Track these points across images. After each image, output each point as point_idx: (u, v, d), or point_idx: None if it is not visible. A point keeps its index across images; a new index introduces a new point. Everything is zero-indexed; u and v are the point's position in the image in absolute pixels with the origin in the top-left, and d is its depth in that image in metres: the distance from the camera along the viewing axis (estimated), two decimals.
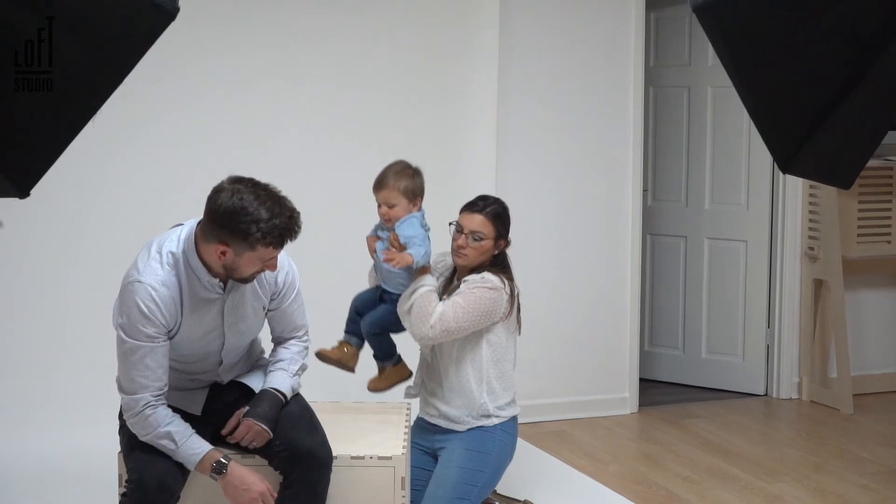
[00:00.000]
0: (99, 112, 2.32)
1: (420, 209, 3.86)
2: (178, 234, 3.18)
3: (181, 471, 3.20)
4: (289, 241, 3.11)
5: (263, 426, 3.27)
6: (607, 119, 5.82)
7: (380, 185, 3.84)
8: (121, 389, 3.20)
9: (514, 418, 4.03)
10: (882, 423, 5.80)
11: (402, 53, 5.43)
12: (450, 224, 3.95)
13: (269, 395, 3.34)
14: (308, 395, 3.56)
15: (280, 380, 3.39)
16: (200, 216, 3.16)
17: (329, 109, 5.32)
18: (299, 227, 3.09)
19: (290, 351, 3.47)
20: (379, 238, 3.90)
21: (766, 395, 6.31)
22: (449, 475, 3.86)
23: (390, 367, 4.01)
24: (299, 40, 5.28)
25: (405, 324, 3.85)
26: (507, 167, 5.58)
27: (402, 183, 3.81)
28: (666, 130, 6.49)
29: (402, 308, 3.83)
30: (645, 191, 6.17)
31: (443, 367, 3.95)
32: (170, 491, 3.16)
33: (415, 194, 3.84)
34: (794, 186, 6.12)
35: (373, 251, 3.92)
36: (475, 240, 3.90)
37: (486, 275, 3.89)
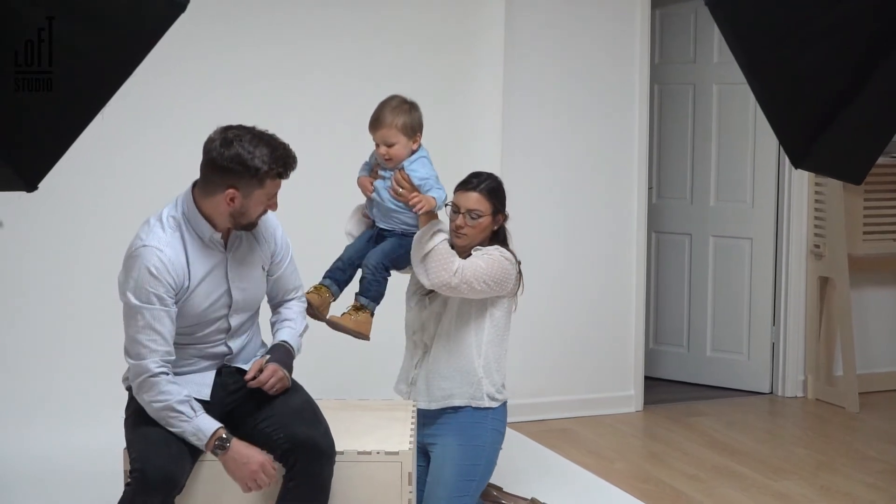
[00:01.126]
0: (107, 106, 2.30)
1: (420, 145, 3.77)
2: (175, 200, 3.32)
3: (186, 460, 3.20)
4: (290, 172, 3.25)
5: (285, 372, 3.38)
6: (612, 116, 5.79)
7: (376, 123, 3.72)
8: (128, 356, 3.23)
9: (505, 404, 3.99)
10: (888, 421, 5.78)
11: (407, 50, 5.41)
12: (445, 205, 3.88)
13: (283, 347, 3.45)
14: (313, 393, 3.55)
15: (288, 335, 3.50)
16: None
17: (333, 106, 5.29)
18: (296, 157, 3.25)
19: (292, 310, 3.58)
20: (381, 177, 3.78)
21: (771, 393, 6.28)
22: (445, 474, 3.82)
23: (368, 313, 3.82)
24: (303, 37, 5.26)
25: (419, 268, 3.72)
26: (511, 164, 5.55)
27: (399, 119, 3.70)
28: (671, 128, 6.47)
29: (418, 253, 3.71)
30: (650, 188, 6.15)
31: (440, 346, 3.88)
32: (174, 481, 3.14)
33: (414, 130, 3.74)
34: (800, 184, 6.10)
35: (369, 191, 3.82)
36: (473, 218, 3.85)
37: (499, 247, 3.87)
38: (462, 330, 3.87)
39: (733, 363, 6.37)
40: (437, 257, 3.69)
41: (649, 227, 6.11)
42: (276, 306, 3.60)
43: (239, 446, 3.23)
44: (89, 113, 2.30)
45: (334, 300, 3.85)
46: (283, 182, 3.30)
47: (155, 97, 4.96)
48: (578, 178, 5.77)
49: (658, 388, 6.31)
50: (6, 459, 4.66)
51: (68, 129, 2.31)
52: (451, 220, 3.89)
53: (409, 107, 3.76)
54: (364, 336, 3.81)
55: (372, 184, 3.81)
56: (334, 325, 3.77)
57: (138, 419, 3.26)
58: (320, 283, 3.84)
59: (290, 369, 3.42)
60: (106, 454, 4.06)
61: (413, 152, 3.76)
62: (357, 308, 3.80)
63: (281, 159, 3.19)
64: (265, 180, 3.19)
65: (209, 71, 5.11)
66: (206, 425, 3.19)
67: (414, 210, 3.68)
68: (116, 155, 5.00)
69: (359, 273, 3.89)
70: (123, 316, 3.24)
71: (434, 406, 3.91)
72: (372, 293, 3.81)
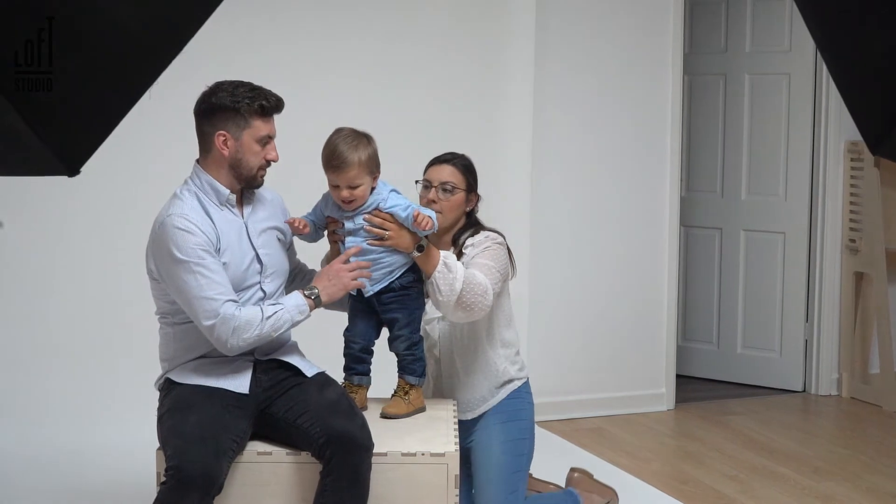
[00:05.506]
0: (155, 84, 2.16)
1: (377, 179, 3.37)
2: (184, 181, 3.36)
3: (224, 458, 3.06)
4: (274, 110, 3.30)
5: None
6: (644, 108, 5.67)
7: (341, 165, 3.26)
8: (204, 320, 3.16)
9: (528, 380, 3.80)
10: None
11: (437, 43, 5.32)
12: (416, 182, 3.61)
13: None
14: None
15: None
16: None
17: (364, 101, 5.20)
18: (280, 97, 3.30)
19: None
20: (348, 233, 3.37)
21: (803, 391, 6.15)
22: (493, 455, 3.62)
23: (419, 386, 3.54)
24: (331, 36, 5.18)
25: (456, 312, 3.40)
26: (542, 157, 5.44)
27: (363, 154, 3.28)
28: (701, 119, 6.33)
29: (450, 296, 3.36)
30: (679, 181, 6.01)
31: (455, 353, 3.67)
32: (212, 479, 2.99)
33: (377, 164, 3.34)
34: (835, 176, 5.95)
35: (337, 243, 3.43)
36: (445, 191, 3.58)
37: (486, 233, 3.62)
38: (473, 331, 3.65)
39: (765, 361, 6.23)
40: (470, 285, 3.38)
41: (679, 221, 5.97)
42: None
43: (318, 282, 3.33)
44: (136, 93, 2.15)
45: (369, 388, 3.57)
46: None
47: (181, 90, 4.83)
48: (609, 172, 5.64)
49: (687, 386, 6.17)
50: (35, 457, 4.58)
51: (113, 110, 2.16)
52: (422, 198, 3.60)
53: (368, 138, 3.34)
54: (422, 410, 3.55)
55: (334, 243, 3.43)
56: (389, 417, 3.47)
57: (173, 416, 3.14)
58: (354, 384, 3.50)
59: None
60: (140, 454, 3.95)
61: (372, 189, 3.35)
62: (406, 391, 3.51)
63: (262, 94, 3.27)
64: (250, 117, 3.25)
65: (239, 65, 4.96)
66: (295, 300, 3.28)
67: (422, 228, 3.31)
68: (145, 145, 4.88)
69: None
70: (178, 288, 3.16)
71: (471, 416, 3.71)
72: (419, 371, 3.52)
